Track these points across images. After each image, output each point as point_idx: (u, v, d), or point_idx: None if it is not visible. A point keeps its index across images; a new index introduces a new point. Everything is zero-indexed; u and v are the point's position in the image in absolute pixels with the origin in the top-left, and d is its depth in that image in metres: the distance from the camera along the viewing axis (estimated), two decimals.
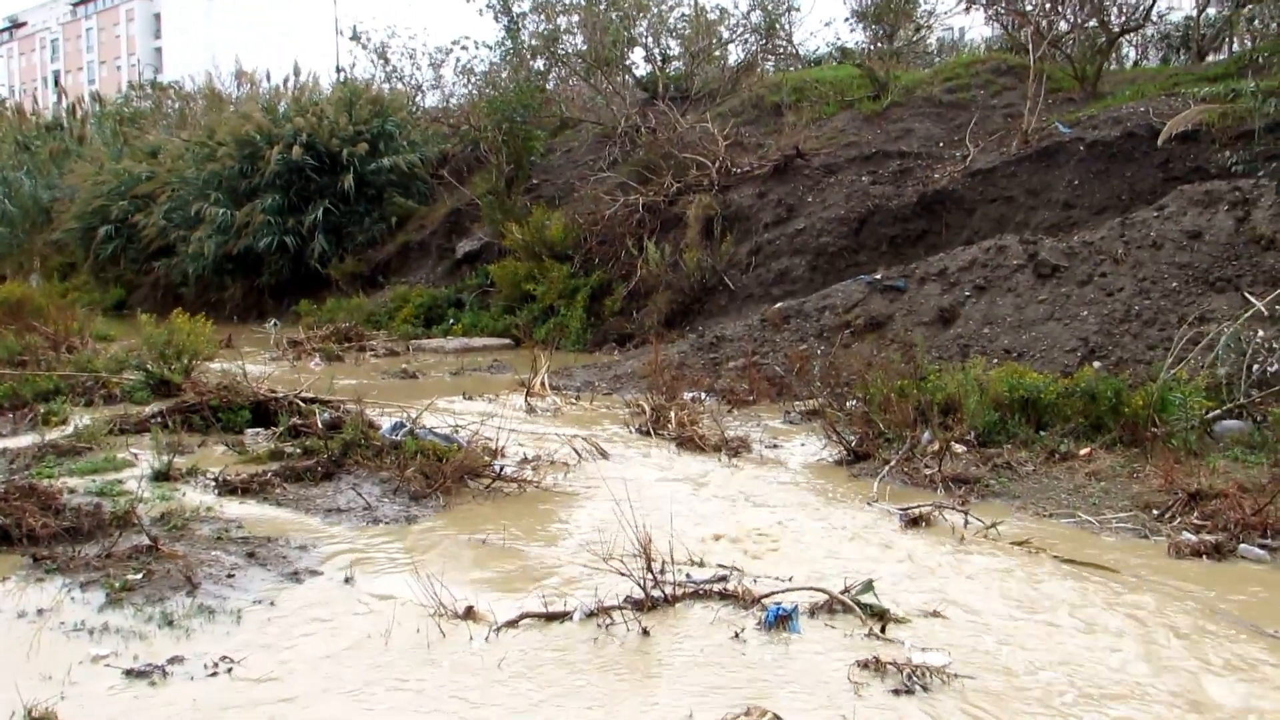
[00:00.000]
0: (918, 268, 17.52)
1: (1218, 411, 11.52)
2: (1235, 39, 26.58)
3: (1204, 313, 13.93)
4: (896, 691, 6.03)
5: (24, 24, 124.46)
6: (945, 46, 35.84)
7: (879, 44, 29.24)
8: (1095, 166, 18.97)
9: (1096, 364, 13.74)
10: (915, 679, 6.12)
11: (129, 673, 6.31)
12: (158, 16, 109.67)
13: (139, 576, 7.82)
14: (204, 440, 12.75)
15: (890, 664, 6.25)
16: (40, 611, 7.29)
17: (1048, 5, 24.16)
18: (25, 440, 12.52)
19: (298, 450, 11.95)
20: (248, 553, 8.50)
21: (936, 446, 11.27)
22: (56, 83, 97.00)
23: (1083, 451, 10.97)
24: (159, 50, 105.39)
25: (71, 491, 10.01)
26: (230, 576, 7.97)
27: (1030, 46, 22.46)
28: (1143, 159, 18.65)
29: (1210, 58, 27.11)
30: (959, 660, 6.39)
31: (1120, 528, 9.17)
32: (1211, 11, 27.04)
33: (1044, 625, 7.07)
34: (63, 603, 7.44)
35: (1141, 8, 24.18)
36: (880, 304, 16.90)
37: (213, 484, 10.56)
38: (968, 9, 26.54)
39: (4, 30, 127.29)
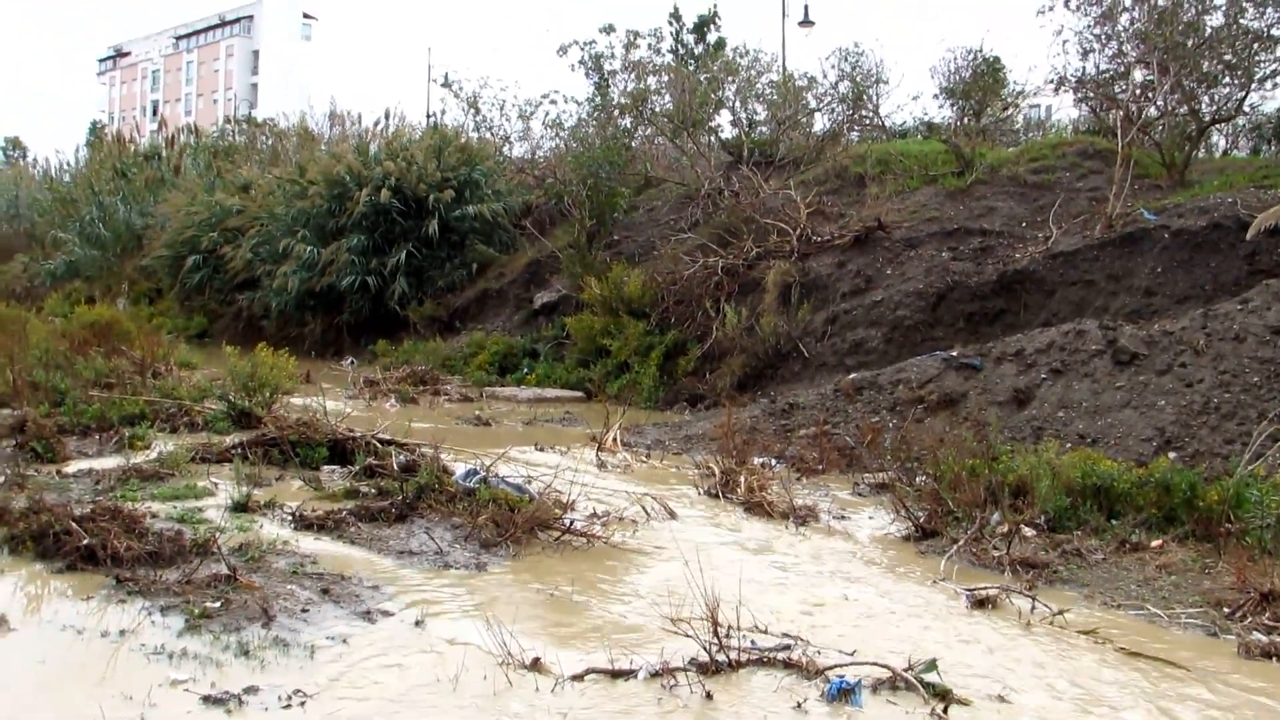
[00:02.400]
0: (994, 347, 17.50)
1: None
2: None
3: None
4: None
5: (128, 54, 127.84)
6: (1031, 125, 35.82)
7: (965, 120, 29.33)
8: (1179, 255, 18.89)
9: (1172, 455, 13.63)
10: None
11: (206, 699, 6.49)
12: (256, 54, 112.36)
13: (217, 605, 8.03)
14: (281, 474, 13.01)
15: None
16: (122, 632, 7.51)
17: (1138, 91, 24.11)
18: (111, 462, 12.86)
19: (373, 490, 12.17)
20: (322, 589, 8.68)
21: (1005, 528, 11.25)
22: (155, 112, 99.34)
23: (1154, 543, 10.90)
24: (255, 86, 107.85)
25: (154, 516, 10.28)
26: (305, 611, 8.15)
27: (1119, 131, 22.42)
28: (1228, 250, 18.54)
29: None
30: None
31: (1189, 623, 9.10)
32: None
33: (1108, 717, 7.05)
34: (143, 625, 7.66)
35: (1234, 99, 24.07)
36: (955, 381, 16.90)
37: (289, 518, 10.79)
38: (1057, 90, 26.55)
39: (108, 59, 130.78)
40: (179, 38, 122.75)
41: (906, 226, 22.96)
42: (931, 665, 7.31)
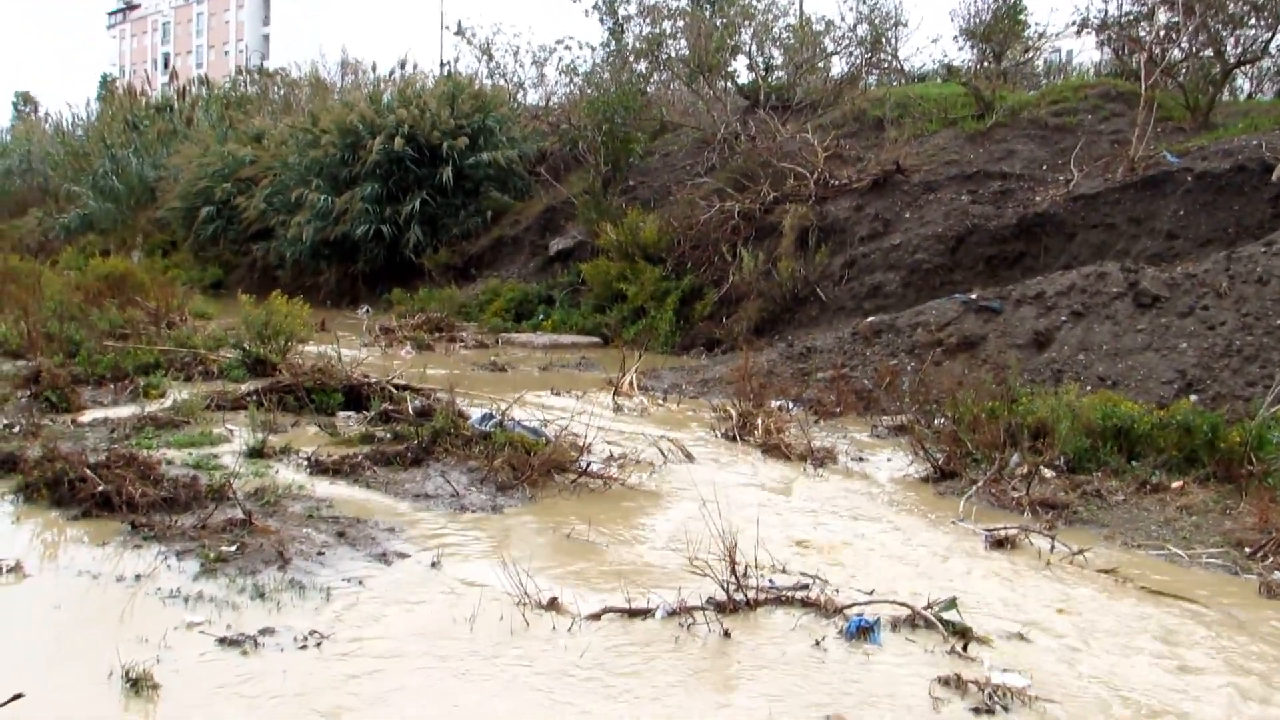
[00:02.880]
0: (1014, 290, 17.34)
1: None
2: None
3: None
4: (976, 710, 6.01)
5: (137, 6, 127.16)
6: (1052, 69, 35.42)
7: (986, 63, 29.01)
8: (1202, 198, 18.66)
9: (1193, 397, 13.52)
10: (995, 699, 6.09)
11: (222, 641, 6.47)
12: (267, 3, 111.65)
13: (233, 549, 8.01)
14: (297, 420, 12.99)
15: (971, 682, 6.23)
16: (138, 577, 7.50)
17: (1162, 33, 23.77)
18: (126, 411, 12.85)
19: (388, 435, 12.15)
20: (338, 532, 8.65)
21: (1025, 469, 11.17)
22: (166, 65, 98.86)
23: (1175, 485, 10.80)
24: (267, 37, 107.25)
25: (169, 463, 10.27)
26: (320, 554, 8.12)
27: (1142, 73, 22.10)
28: (1252, 193, 18.31)
29: None
30: (1040, 684, 6.34)
31: (1210, 563, 9.03)
32: None
33: (1127, 655, 6.99)
34: (159, 570, 7.65)
35: (1260, 40, 23.72)
36: (974, 324, 16.75)
37: (305, 463, 10.77)
38: (1079, 32, 26.26)
39: (117, 12, 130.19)
40: None
41: (925, 170, 22.73)
42: (951, 604, 7.25)
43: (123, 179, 39.90)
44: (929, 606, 7.25)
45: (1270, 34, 23.56)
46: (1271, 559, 8.98)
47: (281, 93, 42.83)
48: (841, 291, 21.01)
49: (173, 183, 37.05)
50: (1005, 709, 6.03)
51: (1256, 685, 6.63)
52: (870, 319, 18.40)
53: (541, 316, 24.97)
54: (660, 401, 15.82)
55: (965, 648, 6.82)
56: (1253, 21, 23.13)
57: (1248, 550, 9.19)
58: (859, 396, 15.51)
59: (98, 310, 18.38)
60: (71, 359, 15.29)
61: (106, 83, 74.06)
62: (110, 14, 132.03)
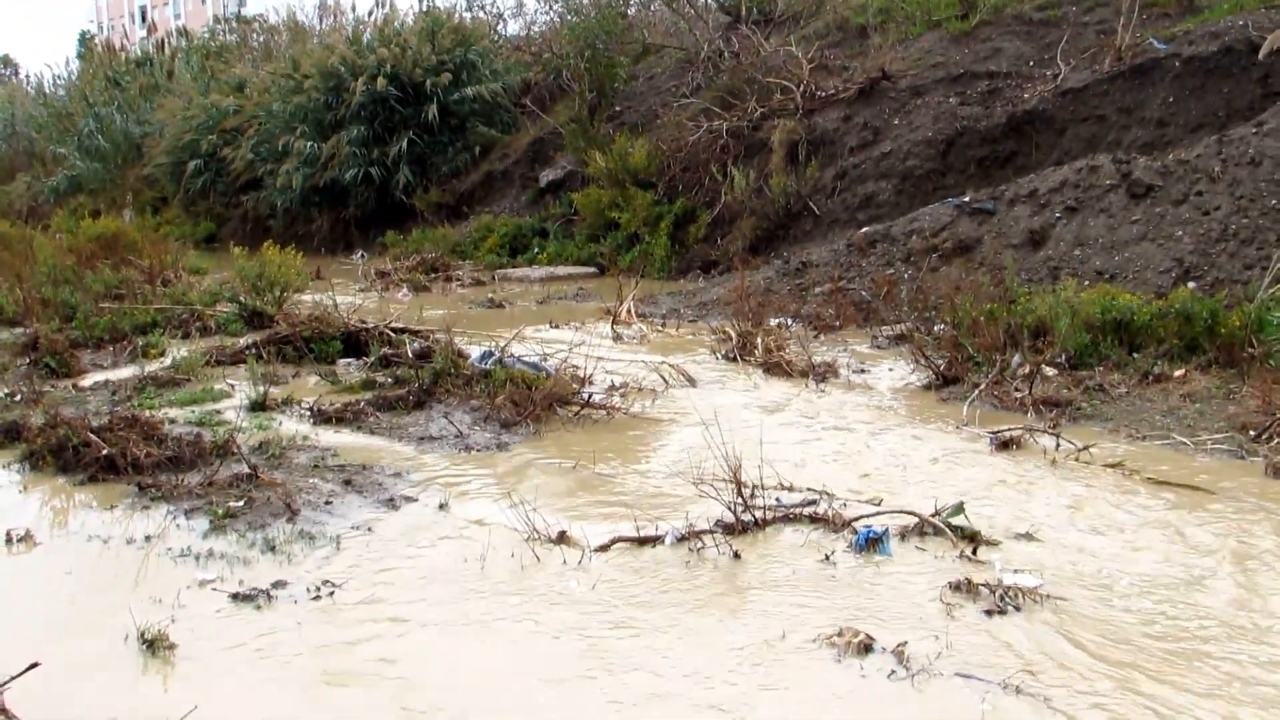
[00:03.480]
0: (1007, 189, 17.23)
1: None
2: None
3: None
4: (989, 613, 6.04)
5: None
6: None
7: None
8: (1191, 83, 18.47)
9: (1192, 284, 13.49)
10: (1008, 600, 6.12)
11: (235, 596, 6.50)
12: None
13: (240, 504, 8.03)
14: (297, 371, 12.98)
15: (982, 585, 6.27)
16: (148, 538, 7.52)
17: None
18: (126, 372, 12.84)
19: (389, 380, 12.15)
20: (344, 480, 8.67)
21: (1026, 369, 11.17)
22: (144, 18, 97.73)
23: (1177, 373, 10.81)
24: None
25: (172, 422, 10.28)
26: (328, 503, 8.15)
27: None
28: (1241, 75, 18.10)
29: None
30: (1051, 582, 6.38)
31: (1216, 449, 9.04)
32: None
33: (1137, 547, 7.02)
34: (168, 529, 7.67)
35: None
36: (968, 227, 16.67)
37: (308, 413, 10.77)
38: None
39: None
40: None
41: (912, 75, 22.49)
42: (959, 509, 7.27)
43: (108, 138, 39.59)
44: (936, 513, 7.28)
45: None
46: (1277, 440, 9.01)
47: (261, 40, 42.35)
48: (835, 204, 20.89)
49: (158, 138, 36.72)
50: (1018, 609, 6.07)
51: (1265, 566, 6.66)
52: (864, 229, 18.32)
53: (536, 250, 24.87)
54: (659, 327, 15.80)
55: (975, 551, 6.85)
56: None
57: (1252, 433, 9.21)
58: (858, 308, 15.49)
59: (92, 272, 18.30)
60: (68, 323, 15.26)
61: (85, 40, 73.34)
62: None
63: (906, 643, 5.65)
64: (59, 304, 16.12)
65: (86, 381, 12.58)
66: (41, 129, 44.55)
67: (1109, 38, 20.68)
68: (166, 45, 45.64)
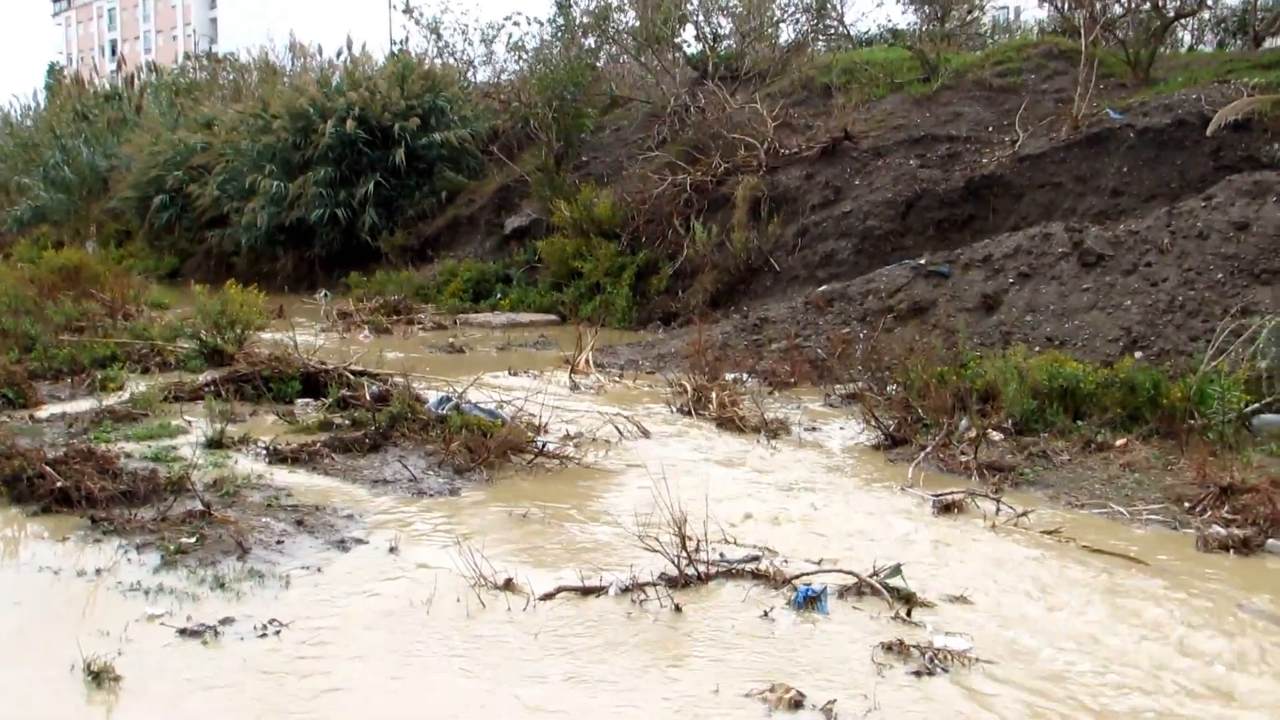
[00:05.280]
0: (962, 253, 17.57)
1: (1256, 405, 11.53)
2: None
3: (1248, 305, 13.93)
4: (918, 673, 6.21)
5: None
6: (1000, 27, 35.64)
7: (931, 25, 29.17)
8: (1145, 154, 18.91)
9: (1138, 354, 13.78)
10: (937, 662, 6.29)
11: (182, 631, 6.60)
12: None
13: (192, 540, 8.13)
14: (255, 409, 13.06)
15: (914, 647, 6.44)
16: (98, 571, 7.61)
17: None
18: (84, 405, 12.89)
19: (346, 422, 12.25)
20: (296, 520, 8.78)
21: (973, 433, 11.39)
22: (114, 52, 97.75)
23: (1119, 442, 11.05)
24: (214, 21, 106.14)
25: (128, 456, 10.36)
26: (280, 543, 8.25)
27: (1083, 30, 22.32)
28: (1194, 147, 18.56)
29: (1268, 43, 26.88)
30: (982, 645, 6.55)
31: (1151, 520, 9.26)
32: None
33: (1067, 613, 7.22)
34: (119, 563, 7.76)
35: None
36: (924, 289, 16.98)
37: (264, 453, 10.87)
38: None
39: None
40: None
41: (874, 136, 22.90)
42: (896, 570, 7.45)
43: (74, 169, 39.57)
44: (875, 574, 7.45)
45: None
46: (1210, 513, 9.24)
47: (231, 78, 42.47)
48: (795, 260, 21.18)
49: (125, 172, 36.76)
50: (945, 670, 6.24)
51: (1189, 635, 6.86)
52: (823, 288, 18.61)
53: (499, 295, 25.03)
54: (617, 378, 15.96)
55: (910, 613, 7.02)
56: None
57: (1187, 505, 9.44)
58: (813, 366, 15.69)
59: (53, 303, 18.32)
60: (27, 354, 15.27)
61: (53, 71, 73.23)
62: (54, 1, 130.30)
63: (836, 700, 5.82)
64: (19, 334, 16.12)
65: (43, 413, 12.63)
66: (7, 158, 44.45)
67: (1066, 106, 21.15)
68: (136, 80, 45.70)
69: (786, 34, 30.78)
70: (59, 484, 9.03)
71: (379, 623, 6.86)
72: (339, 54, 37.04)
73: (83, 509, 8.83)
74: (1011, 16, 39.56)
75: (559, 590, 7.30)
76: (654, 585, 7.30)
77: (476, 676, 6.18)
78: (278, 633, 6.65)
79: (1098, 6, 23.54)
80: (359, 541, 8.40)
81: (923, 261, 17.75)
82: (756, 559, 7.92)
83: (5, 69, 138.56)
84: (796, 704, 5.82)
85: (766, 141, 23.52)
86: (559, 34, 30.77)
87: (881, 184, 21.42)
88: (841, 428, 12.85)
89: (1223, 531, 8.70)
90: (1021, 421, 11.79)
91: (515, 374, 16.16)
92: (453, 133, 30.00)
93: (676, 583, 7.41)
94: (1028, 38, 29.04)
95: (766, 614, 7.02)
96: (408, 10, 33.67)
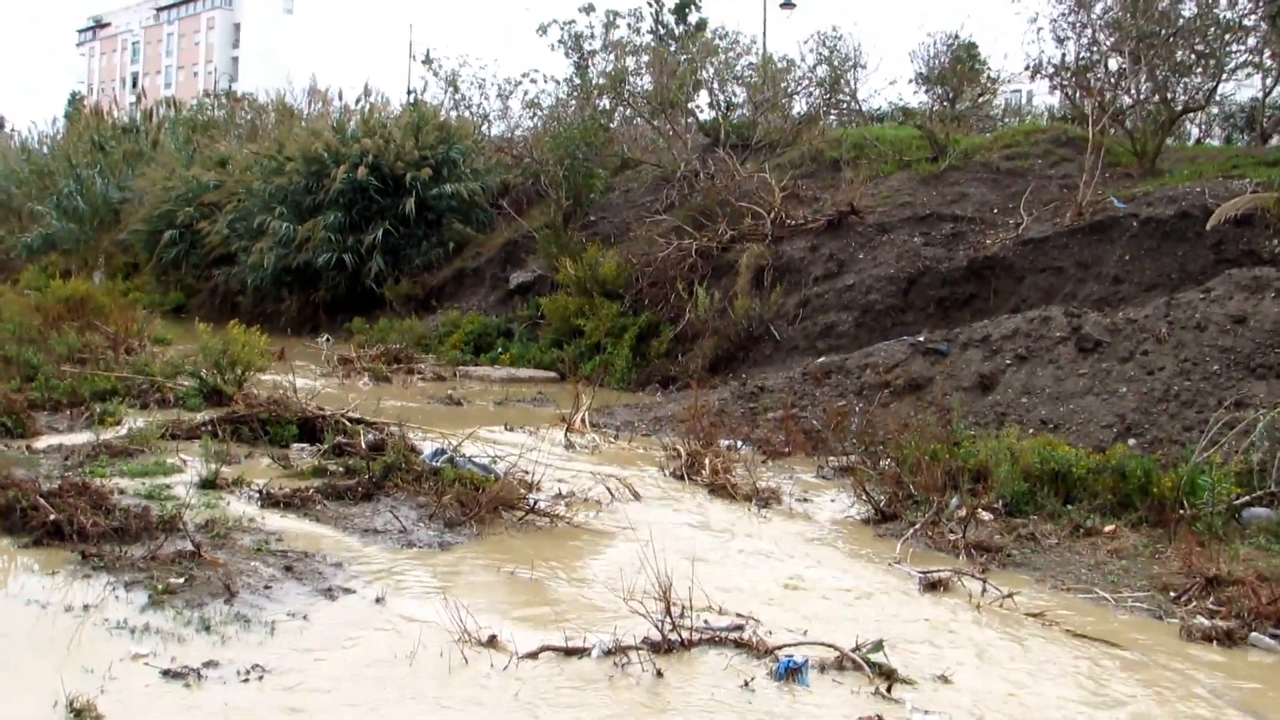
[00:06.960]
0: (961, 332, 17.68)
1: (1246, 498, 11.59)
2: None
3: (1243, 397, 13.99)
4: None
5: (108, 25, 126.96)
6: (1010, 110, 36.00)
7: (942, 105, 29.50)
8: (1147, 244, 19.08)
9: (1131, 441, 13.84)
10: None
11: (166, 673, 6.64)
12: (237, 27, 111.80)
13: (181, 581, 8.17)
14: (251, 451, 13.14)
15: None
16: (86, 607, 7.65)
17: (1112, 79, 24.28)
18: (81, 438, 12.97)
19: (340, 469, 12.32)
20: (285, 566, 8.83)
21: (963, 512, 11.44)
22: (135, 84, 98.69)
23: (1108, 528, 11.11)
24: (236, 60, 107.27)
25: (121, 492, 10.42)
26: (267, 588, 8.30)
27: (1091, 119, 22.60)
28: (1195, 240, 18.72)
29: (1275, 140, 27.17)
30: None
31: (1136, 607, 9.30)
32: (1278, 93, 27.11)
33: (1048, 696, 7.25)
34: (107, 600, 7.81)
35: (1205, 88, 24.26)
36: (921, 366, 17.08)
37: (257, 496, 10.93)
38: (1033, 77, 26.73)
39: (88, 29, 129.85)
40: (160, 9, 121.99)
41: (880, 211, 23.11)
42: (878, 646, 7.49)
43: (87, 199, 39.89)
44: (857, 648, 7.49)
45: (1214, 83, 24.14)
46: (1195, 603, 9.27)
47: (248, 118, 42.93)
48: (795, 331, 21.31)
49: (137, 205, 37.08)
50: None
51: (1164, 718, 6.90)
52: (821, 359, 18.70)
53: (500, 349, 25.15)
54: (612, 439, 16.03)
55: (890, 689, 7.06)
56: (1198, 69, 23.64)
57: (1173, 594, 9.47)
58: (808, 436, 15.76)
59: (57, 333, 18.43)
60: (29, 383, 15.38)
61: (74, 101, 73.90)
62: (80, 31, 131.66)
63: None
64: (21, 363, 16.22)
65: (41, 443, 12.71)
66: (22, 184, 44.78)
67: (1071, 193, 21.35)
68: (155, 114, 46.12)
69: (799, 106, 31.13)
70: (52, 517, 9.09)
71: (361, 673, 6.90)
72: (357, 101, 37.45)
73: (74, 543, 8.89)
74: (1024, 101, 40.00)
75: (542, 649, 7.34)
76: (637, 649, 7.34)
77: None
78: (260, 679, 6.69)
79: (1107, 96, 23.82)
80: (346, 590, 8.44)
81: (921, 339, 17.86)
82: (740, 628, 7.96)
83: (27, 96, 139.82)
84: None
85: (773, 211, 23.74)
86: (574, 93, 31.13)
87: (885, 259, 21.59)
88: (833, 500, 12.90)
89: (1206, 622, 8.73)
90: (1012, 503, 11.83)
91: (511, 429, 16.22)
92: (464, 185, 30.25)
93: (659, 647, 7.45)
94: (1037, 123, 29.35)
95: (747, 684, 7.05)
96: (427, 61, 34.22)
